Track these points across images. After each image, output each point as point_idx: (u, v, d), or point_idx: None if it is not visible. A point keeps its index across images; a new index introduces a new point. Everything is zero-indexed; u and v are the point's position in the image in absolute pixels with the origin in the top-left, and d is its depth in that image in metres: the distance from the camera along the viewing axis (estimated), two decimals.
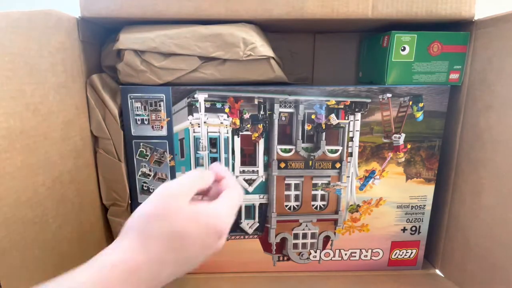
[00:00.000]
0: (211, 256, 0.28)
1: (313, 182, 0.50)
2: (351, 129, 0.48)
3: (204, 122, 0.47)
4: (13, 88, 0.32)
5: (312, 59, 0.63)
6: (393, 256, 0.54)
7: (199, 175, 0.31)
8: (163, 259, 0.26)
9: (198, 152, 0.48)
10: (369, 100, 0.47)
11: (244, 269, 0.54)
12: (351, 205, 0.51)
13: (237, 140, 0.48)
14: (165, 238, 0.26)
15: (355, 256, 0.54)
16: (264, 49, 0.46)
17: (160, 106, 0.46)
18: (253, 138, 0.48)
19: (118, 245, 0.26)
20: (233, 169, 0.49)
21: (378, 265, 0.54)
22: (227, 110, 0.47)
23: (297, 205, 0.51)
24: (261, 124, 0.48)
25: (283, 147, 0.49)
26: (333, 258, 0.54)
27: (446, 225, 0.53)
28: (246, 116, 0.47)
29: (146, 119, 0.47)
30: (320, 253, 0.54)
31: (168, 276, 0.26)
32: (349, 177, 0.50)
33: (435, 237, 0.55)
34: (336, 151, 0.49)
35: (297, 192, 0.51)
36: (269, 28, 0.52)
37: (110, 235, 0.53)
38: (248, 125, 0.48)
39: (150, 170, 0.49)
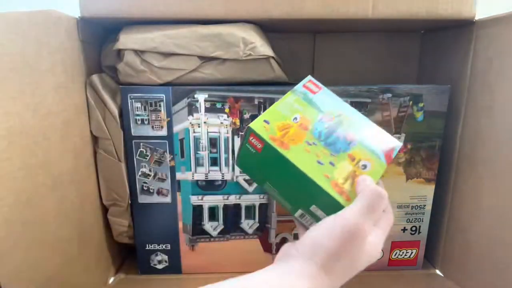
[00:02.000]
0: None
1: None
2: None
3: (204, 122, 0.47)
4: (13, 88, 0.32)
5: (312, 59, 0.63)
6: (393, 256, 0.54)
7: (377, 205, 0.30)
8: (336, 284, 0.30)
9: (198, 152, 0.48)
10: (369, 100, 0.47)
11: (244, 269, 0.54)
12: None
13: (237, 140, 0.48)
14: (346, 274, 0.30)
15: None
16: (264, 48, 0.46)
17: (160, 106, 0.46)
18: None
19: (295, 268, 0.29)
20: (233, 169, 0.49)
21: (378, 265, 0.54)
22: (227, 110, 0.47)
23: None
24: None
25: None
26: None
27: (446, 225, 0.53)
28: (246, 116, 0.47)
29: (146, 119, 0.47)
30: None
31: None
32: None
33: (435, 237, 0.55)
34: None
35: None
36: (269, 28, 0.52)
37: (110, 235, 0.53)
38: None
39: (150, 170, 0.49)
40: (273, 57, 0.47)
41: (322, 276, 0.28)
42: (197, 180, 0.50)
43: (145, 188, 0.50)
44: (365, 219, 0.29)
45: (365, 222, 0.29)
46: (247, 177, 0.50)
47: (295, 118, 0.37)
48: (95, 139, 0.49)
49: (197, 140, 0.48)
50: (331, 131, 0.36)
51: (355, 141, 0.36)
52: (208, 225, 0.51)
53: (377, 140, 0.36)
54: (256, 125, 0.35)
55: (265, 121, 0.36)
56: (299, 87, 0.39)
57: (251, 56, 0.45)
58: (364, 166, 0.34)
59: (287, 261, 0.30)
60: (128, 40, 0.45)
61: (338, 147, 0.35)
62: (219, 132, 0.48)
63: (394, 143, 0.36)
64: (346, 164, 0.34)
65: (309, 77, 0.41)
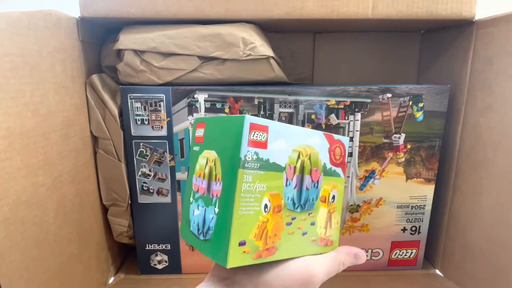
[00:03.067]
0: None
1: None
2: (351, 129, 0.48)
3: None
4: (13, 88, 0.32)
5: (312, 59, 0.63)
6: (393, 256, 0.54)
7: (338, 271, 0.31)
8: None
9: None
10: (369, 100, 0.47)
11: None
12: (351, 205, 0.51)
13: None
14: None
15: None
16: (263, 48, 0.46)
17: (160, 106, 0.46)
18: None
19: None
20: None
21: (378, 265, 0.54)
22: (227, 110, 0.47)
23: None
24: None
25: None
26: None
27: (446, 225, 0.53)
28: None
29: (146, 119, 0.47)
30: None
31: None
32: (349, 177, 0.50)
33: (435, 237, 0.55)
34: None
35: None
36: (269, 28, 0.52)
37: (110, 235, 0.53)
38: None
39: (150, 170, 0.49)
40: (273, 57, 0.47)
41: None
42: None
43: (145, 188, 0.50)
44: (326, 277, 0.30)
45: (324, 279, 0.30)
46: None
47: (266, 207, 0.27)
48: (95, 139, 0.49)
49: None
50: (299, 187, 0.30)
51: (320, 177, 0.31)
52: None
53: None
54: (234, 259, 0.25)
55: (240, 244, 0.25)
56: (244, 149, 0.25)
57: (251, 56, 0.45)
58: (333, 198, 0.33)
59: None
60: (128, 40, 0.45)
61: (311, 200, 0.31)
62: None
63: (344, 145, 0.34)
64: (321, 212, 0.32)
65: (246, 120, 0.25)
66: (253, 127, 0.26)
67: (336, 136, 0.32)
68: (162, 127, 0.47)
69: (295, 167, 0.29)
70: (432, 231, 0.54)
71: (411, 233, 0.53)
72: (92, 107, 0.47)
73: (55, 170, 0.39)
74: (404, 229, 0.52)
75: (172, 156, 0.48)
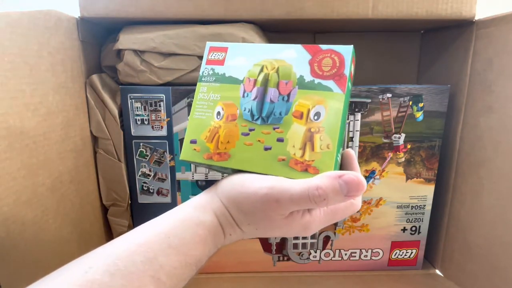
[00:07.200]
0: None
1: None
2: (351, 129, 0.48)
3: None
4: (13, 88, 0.32)
5: None
6: (393, 256, 0.54)
7: (317, 203, 0.25)
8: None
9: None
10: (369, 100, 0.47)
11: (244, 269, 0.54)
12: None
13: None
14: (257, 234, 0.29)
15: (355, 256, 0.54)
16: None
17: (160, 106, 0.46)
18: None
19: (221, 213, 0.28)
20: None
21: (378, 265, 0.54)
22: None
23: None
24: None
25: None
26: (333, 258, 0.54)
27: (446, 225, 0.53)
28: None
29: (146, 119, 0.47)
30: (320, 253, 0.54)
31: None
32: None
33: (435, 237, 0.55)
34: None
35: None
36: (269, 28, 0.52)
37: (110, 235, 0.53)
38: None
39: (150, 170, 0.49)
40: None
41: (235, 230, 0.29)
42: (197, 180, 0.50)
43: (145, 188, 0.50)
44: (293, 205, 0.25)
45: (291, 206, 0.26)
46: None
47: (218, 114, 0.30)
48: (95, 139, 0.49)
49: None
50: (261, 99, 0.29)
51: (293, 90, 0.29)
52: None
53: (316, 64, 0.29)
54: (185, 153, 0.31)
55: (191, 142, 0.31)
56: (203, 68, 0.32)
57: None
58: (317, 115, 0.28)
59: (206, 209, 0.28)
60: (128, 40, 0.45)
61: (278, 114, 0.29)
62: None
63: (341, 54, 0.28)
64: (295, 129, 0.28)
65: (208, 45, 0.33)
66: (212, 49, 0.32)
67: (325, 46, 0.29)
68: (162, 127, 0.47)
69: (255, 80, 0.30)
70: (432, 231, 0.54)
71: (411, 233, 0.53)
72: (92, 107, 0.47)
73: (55, 170, 0.39)
74: (404, 229, 0.52)
75: (172, 156, 0.48)
